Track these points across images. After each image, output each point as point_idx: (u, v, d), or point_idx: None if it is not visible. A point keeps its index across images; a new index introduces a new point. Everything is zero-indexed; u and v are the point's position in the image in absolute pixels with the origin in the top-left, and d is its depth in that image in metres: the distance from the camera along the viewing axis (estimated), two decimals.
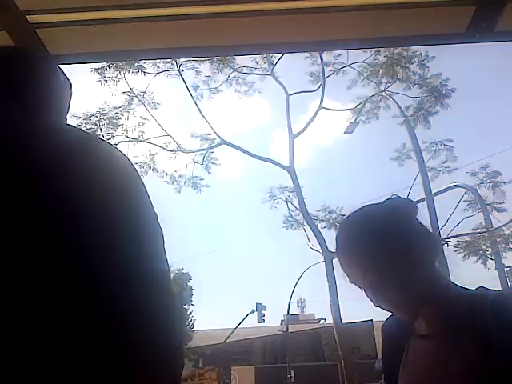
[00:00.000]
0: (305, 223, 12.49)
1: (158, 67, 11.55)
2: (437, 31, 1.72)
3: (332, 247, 11.98)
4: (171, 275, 0.72)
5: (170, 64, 11.51)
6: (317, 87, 12.36)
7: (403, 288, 0.99)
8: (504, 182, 11.31)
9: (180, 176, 12.58)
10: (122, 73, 11.06)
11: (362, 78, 12.01)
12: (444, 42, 1.85)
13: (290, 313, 20.36)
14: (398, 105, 11.93)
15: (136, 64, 10.62)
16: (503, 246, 11.13)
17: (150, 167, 12.28)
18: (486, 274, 11.24)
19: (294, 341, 21.02)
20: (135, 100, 11.82)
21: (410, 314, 1.03)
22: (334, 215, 12.35)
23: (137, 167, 0.76)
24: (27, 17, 1.55)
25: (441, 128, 18.11)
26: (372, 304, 1.03)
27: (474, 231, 11.44)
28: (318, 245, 12.03)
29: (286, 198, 13.06)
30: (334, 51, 11.07)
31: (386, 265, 1.00)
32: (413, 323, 1.07)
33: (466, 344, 0.92)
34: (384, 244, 1.01)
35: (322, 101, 12.45)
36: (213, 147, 12.57)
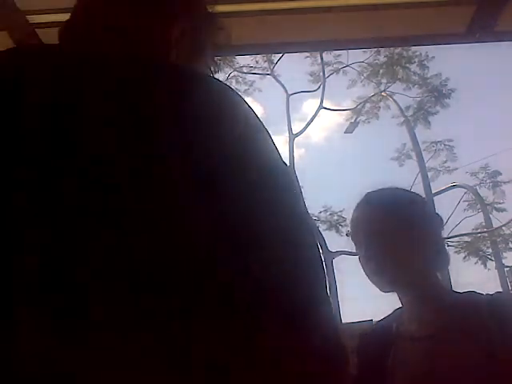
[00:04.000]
0: None
1: None
2: (437, 31, 1.72)
3: (332, 248, 11.97)
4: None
5: None
6: (317, 87, 12.38)
7: (397, 261, 1.03)
8: (504, 182, 11.32)
9: None
10: None
11: (362, 78, 12.01)
12: (444, 42, 1.84)
13: None
14: (398, 105, 11.94)
15: None
16: (503, 245, 11.13)
17: None
18: (486, 275, 11.25)
19: None
20: None
21: (386, 287, 1.05)
22: (335, 217, 12.36)
23: None
24: (27, 17, 1.55)
25: (441, 128, 18.09)
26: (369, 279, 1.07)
27: (474, 231, 11.44)
28: None
29: None
30: (334, 51, 11.08)
31: (398, 232, 1.03)
32: (400, 327, 1.07)
33: (465, 344, 0.92)
34: (410, 221, 1.06)
35: (322, 101, 12.46)
36: None
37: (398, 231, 1.03)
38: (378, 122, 12.51)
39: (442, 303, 1.00)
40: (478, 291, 1.01)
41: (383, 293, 1.06)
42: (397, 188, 1.16)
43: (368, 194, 1.12)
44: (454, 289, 1.11)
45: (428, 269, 1.03)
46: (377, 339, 1.10)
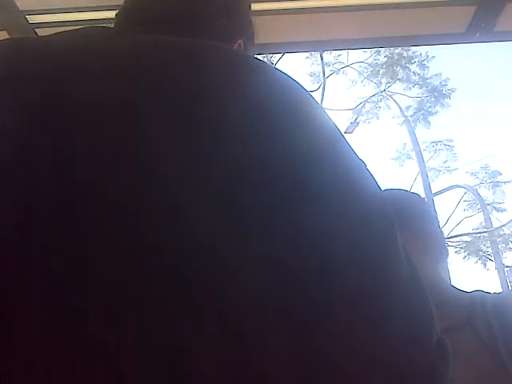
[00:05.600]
0: None
1: None
2: (437, 31, 1.72)
3: None
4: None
5: None
6: (317, 87, 12.36)
7: None
8: (504, 182, 11.32)
9: None
10: None
11: (362, 78, 12.01)
12: (444, 42, 1.84)
13: None
14: (398, 105, 11.94)
15: None
16: (503, 245, 11.13)
17: None
18: (486, 275, 11.25)
19: None
20: None
21: None
22: None
23: None
24: (27, 17, 1.55)
25: (441, 128, 18.13)
26: None
27: (474, 231, 11.44)
28: None
29: None
30: (334, 51, 11.08)
31: (402, 233, 1.05)
32: None
33: (469, 344, 0.92)
34: (413, 221, 1.07)
35: (322, 101, 12.43)
36: None
37: (402, 231, 1.04)
38: (378, 122, 12.52)
39: (447, 302, 1.00)
40: (484, 290, 1.01)
41: None
42: (397, 189, 1.17)
43: None
44: None
45: (433, 268, 1.04)
46: None
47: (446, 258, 1.10)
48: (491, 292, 1.00)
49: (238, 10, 0.69)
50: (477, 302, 0.96)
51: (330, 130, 0.46)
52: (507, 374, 0.87)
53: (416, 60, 11.47)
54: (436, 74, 11.63)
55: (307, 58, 11.96)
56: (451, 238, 11.13)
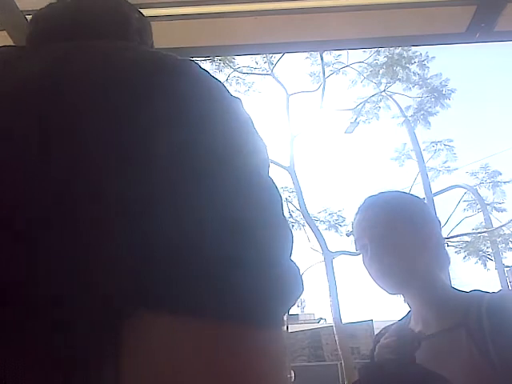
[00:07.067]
0: (305, 224, 12.50)
1: None
2: (437, 31, 1.72)
3: (332, 248, 11.97)
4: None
5: None
6: (317, 87, 12.38)
7: (400, 264, 1.04)
8: (504, 182, 11.33)
9: None
10: None
11: (362, 78, 12.02)
12: (444, 42, 1.84)
13: (290, 313, 20.32)
14: (398, 105, 11.95)
15: None
16: (503, 245, 11.13)
17: None
18: (486, 275, 11.25)
19: (293, 341, 21.01)
20: None
21: (392, 289, 1.06)
22: (335, 217, 12.38)
23: None
24: (27, 17, 1.55)
25: (441, 128, 18.16)
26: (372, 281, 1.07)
27: (474, 231, 11.44)
28: (318, 245, 12.03)
29: (287, 199, 13.07)
30: (334, 51, 11.08)
31: (403, 235, 1.03)
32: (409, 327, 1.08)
33: (462, 344, 0.93)
34: (413, 223, 1.07)
35: (322, 101, 12.46)
36: None
37: (403, 234, 1.04)
38: (377, 122, 12.53)
39: (445, 303, 1.01)
40: (482, 290, 1.01)
41: (389, 294, 1.07)
42: (396, 191, 1.17)
43: (369, 198, 1.13)
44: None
45: (432, 270, 1.04)
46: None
47: (448, 264, 1.10)
48: (489, 291, 1.01)
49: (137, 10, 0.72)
50: (473, 303, 0.97)
51: (242, 122, 0.47)
52: (496, 372, 0.87)
53: (416, 60, 11.49)
54: (436, 74, 11.66)
55: (307, 58, 11.99)
56: (451, 237, 11.14)
